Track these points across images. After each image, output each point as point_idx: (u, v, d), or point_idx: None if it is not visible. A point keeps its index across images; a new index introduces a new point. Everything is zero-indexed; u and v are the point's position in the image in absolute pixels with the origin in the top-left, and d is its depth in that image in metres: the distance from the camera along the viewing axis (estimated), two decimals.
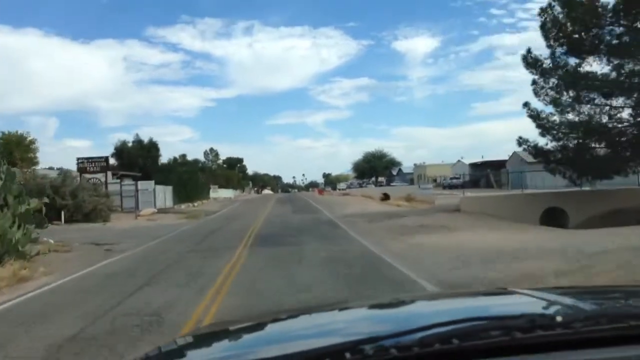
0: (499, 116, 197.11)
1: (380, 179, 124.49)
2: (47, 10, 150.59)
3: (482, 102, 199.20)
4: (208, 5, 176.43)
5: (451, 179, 69.47)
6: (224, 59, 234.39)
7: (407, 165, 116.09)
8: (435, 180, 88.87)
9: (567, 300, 1.48)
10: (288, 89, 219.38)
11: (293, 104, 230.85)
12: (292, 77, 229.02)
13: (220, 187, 66.72)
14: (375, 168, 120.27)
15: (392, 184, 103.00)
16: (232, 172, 76.59)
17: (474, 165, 67.99)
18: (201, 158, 74.10)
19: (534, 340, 1.12)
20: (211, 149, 74.67)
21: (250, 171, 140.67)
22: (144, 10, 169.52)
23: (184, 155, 67.61)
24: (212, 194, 52.93)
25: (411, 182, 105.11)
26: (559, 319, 1.20)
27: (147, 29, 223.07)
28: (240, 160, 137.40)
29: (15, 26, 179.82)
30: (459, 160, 75.47)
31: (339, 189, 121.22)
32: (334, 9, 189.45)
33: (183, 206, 39.62)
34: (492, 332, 1.13)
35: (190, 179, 43.16)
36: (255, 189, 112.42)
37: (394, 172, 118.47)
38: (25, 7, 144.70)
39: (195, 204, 42.89)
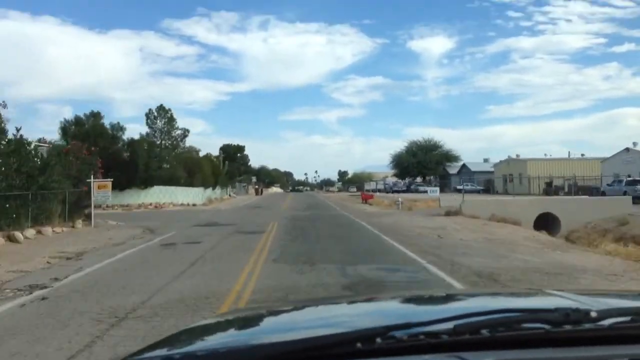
0: (512, 119, 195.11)
1: (427, 178, 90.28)
2: None
3: (496, 104, 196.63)
4: None
5: None
6: (239, 53, 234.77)
7: (473, 161, 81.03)
8: (549, 185, 54.37)
9: (603, 300, 1.45)
10: (302, 85, 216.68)
11: (307, 101, 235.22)
12: (306, 74, 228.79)
13: (170, 182, 33.14)
14: (423, 164, 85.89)
15: (459, 187, 68.61)
16: (203, 159, 42.31)
17: None
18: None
19: (567, 334, 1.11)
20: (160, 108, 38.86)
21: (256, 164, 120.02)
22: (161, 1, 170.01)
23: (97, 114, 33.79)
24: (101, 200, 18.78)
25: (486, 185, 70.78)
26: (593, 314, 1.14)
27: (163, 21, 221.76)
28: (240, 149, 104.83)
29: (33, 13, 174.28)
30: (627, 149, 40.79)
31: (369, 191, 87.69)
32: (350, 5, 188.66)
33: None
34: (525, 325, 1.12)
35: None
36: (256, 187, 79.01)
37: (451, 170, 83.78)
38: None
39: None
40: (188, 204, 35.52)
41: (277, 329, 1.54)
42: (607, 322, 1.13)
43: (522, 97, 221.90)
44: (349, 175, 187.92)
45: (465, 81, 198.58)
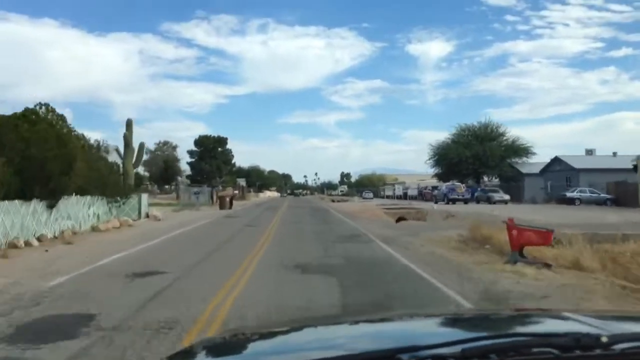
0: (511, 122, 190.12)
1: (483, 178, 63.26)
2: (64, 1, 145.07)
3: (495, 108, 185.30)
4: (223, 2, 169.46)
5: None
6: (238, 56, 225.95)
7: (569, 153, 53.66)
8: None
9: (615, 324, 1.44)
10: (301, 88, 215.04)
11: (305, 104, 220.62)
12: (305, 77, 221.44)
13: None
14: (482, 159, 59.01)
15: (569, 194, 41.04)
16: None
17: None
18: None
19: (576, 359, 1.10)
20: None
21: (245, 164, 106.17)
22: (160, 5, 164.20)
23: None
24: None
25: (615, 192, 42.95)
26: (603, 339, 1.13)
27: (162, 24, 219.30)
28: (220, 142, 78.01)
29: (32, 16, 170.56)
30: None
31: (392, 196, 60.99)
32: (349, 9, 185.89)
33: None
34: (534, 349, 1.10)
35: None
36: (233, 192, 51.95)
37: (524, 169, 56.99)
38: None
39: None
40: None
41: (282, 350, 1.49)
42: (617, 347, 1.11)
43: (520, 101, 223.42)
44: (353, 178, 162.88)
45: (464, 85, 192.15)
